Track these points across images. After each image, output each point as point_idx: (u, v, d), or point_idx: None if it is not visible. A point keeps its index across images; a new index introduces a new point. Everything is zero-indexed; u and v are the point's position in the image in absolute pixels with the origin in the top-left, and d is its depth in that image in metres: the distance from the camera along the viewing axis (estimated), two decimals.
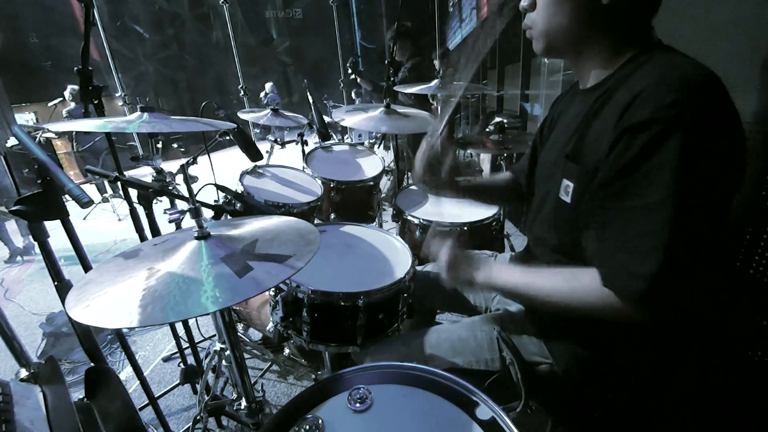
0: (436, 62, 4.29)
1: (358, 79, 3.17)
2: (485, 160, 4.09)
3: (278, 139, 2.32)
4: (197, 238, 0.70)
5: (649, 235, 0.58)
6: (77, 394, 0.78)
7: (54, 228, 0.84)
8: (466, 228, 1.47)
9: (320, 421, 0.64)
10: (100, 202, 4.80)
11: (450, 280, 0.83)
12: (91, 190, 4.88)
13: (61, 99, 5.08)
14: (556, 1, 0.69)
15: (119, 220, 4.48)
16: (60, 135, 5.64)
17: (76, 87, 4.98)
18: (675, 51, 0.67)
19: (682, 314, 0.67)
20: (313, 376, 1.70)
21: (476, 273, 0.80)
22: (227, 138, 1.55)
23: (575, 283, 0.68)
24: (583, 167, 0.69)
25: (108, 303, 0.57)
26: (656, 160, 0.57)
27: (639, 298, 0.60)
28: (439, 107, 2.78)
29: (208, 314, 0.55)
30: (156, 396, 1.45)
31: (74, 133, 4.97)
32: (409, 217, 1.55)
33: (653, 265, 0.57)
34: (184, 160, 1.29)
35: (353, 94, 4.30)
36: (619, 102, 0.62)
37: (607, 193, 0.63)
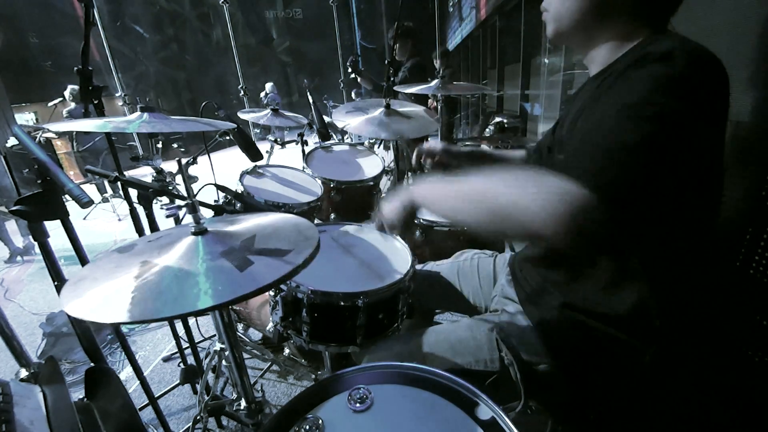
0: (437, 62, 4.29)
1: (359, 79, 3.17)
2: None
3: (278, 139, 2.32)
4: (194, 233, 0.70)
5: (618, 125, 0.55)
6: (77, 394, 0.78)
7: (54, 228, 0.85)
8: (465, 228, 1.47)
9: (320, 421, 0.64)
10: (100, 202, 4.81)
11: (389, 224, 0.84)
12: (91, 190, 4.88)
13: (61, 99, 5.09)
14: None
15: (119, 220, 4.48)
16: (60, 135, 5.64)
17: (76, 87, 4.97)
18: (679, 36, 0.67)
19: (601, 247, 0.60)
20: (313, 376, 1.70)
21: (404, 197, 0.79)
22: (227, 138, 1.55)
23: (513, 174, 0.61)
24: (571, 143, 0.70)
25: (105, 298, 0.56)
26: (641, 73, 0.57)
27: (585, 173, 0.54)
28: (439, 106, 2.78)
29: (212, 308, 0.54)
30: (156, 396, 1.45)
31: (74, 133, 4.98)
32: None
33: (591, 183, 0.52)
34: (184, 160, 1.29)
35: (353, 94, 4.30)
36: (617, 71, 0.63)
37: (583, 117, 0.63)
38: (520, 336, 0.87)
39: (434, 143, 1.23)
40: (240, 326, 1.89)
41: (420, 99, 3.14)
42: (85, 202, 0.71)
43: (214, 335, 1.98)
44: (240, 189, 1.57)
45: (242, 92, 3.07)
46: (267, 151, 2.16)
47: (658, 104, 0.54)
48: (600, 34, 0.73)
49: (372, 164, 2.04)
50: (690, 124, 0.55)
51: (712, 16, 0.91)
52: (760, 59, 0.80)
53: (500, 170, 0.62)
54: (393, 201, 0.83)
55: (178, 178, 1.32)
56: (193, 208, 0.72)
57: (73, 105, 4.99)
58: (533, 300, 0.89)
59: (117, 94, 2.08)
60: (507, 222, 0.58)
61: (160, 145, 1.58)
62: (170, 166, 1.39)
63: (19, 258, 3.61)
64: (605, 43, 0.73)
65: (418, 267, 1.22)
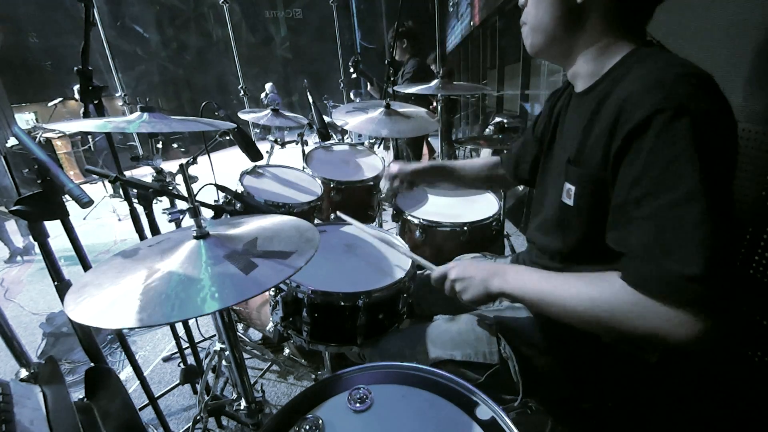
0: (434, 66, 4.29)
1: (369, 87, 3.18)
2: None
3: (278, 139, 2.32)
4: (196, 237, 0.70)
5: (688, 232, 0.53)
6: (77, 394, 0.78)
7: (54, 228, 0.84)
8: (466, 228, 1.47)
9: (320, 421, 0.64)
10: (105, 197, 4.77)
11: (462, 296, 0.81)
12: (97, 189, 4.87)
13: (61, 99, 5.08)
14: (537, 1, 0.72)
15: (119, 220, 4.48)
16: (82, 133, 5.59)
17: None
18: (666, 51, 0.67)
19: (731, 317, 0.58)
20: (313, 376, 1.70)
21: (490, 281, 0.76)
22: (227, 138, 1.55)
23: (601, 286, 0.62)
24: (584, 170, 0.69)
25: (110, 304, 0.57)
26: (671, 152, 0.54)
27: (695, 300, 0.53)
28: (439, 106, 2.78)
29: (216, 311, 0.55)
30: (156, 396, 1.45)
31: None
32: (409, 217, 1.55)
33: (701, 263, 0.51)
34: (184, 160, 1.29)
35: (352, 94, 4.30)
36: (613, 104, 0.62)
37: (631, 197, 0.59)
38: (520, 330, 0.87)
39: (394, 166, 1.26)
40: (240, 326, 1.89)
41: (420, 100, 3.14)
42: (85, 202, 0.71)
43: (214, 335, 1.98)
44: (240, 189, 1.57)
45: (242, 92, 3.06)
46: (267, 151, 2.16)
47: (700, 172, 0.53)
48: (576, 46, 0.73)
49: (372, 164, 2.04)
50: (726, 167, 0.56)
51: (711, 16, 0.91)
52: (759, 60, 0.80)
53: (589, 279, 0.64)
54: (473, 276, 0.78)
55: (179, 178, 1.32)
56: (195, 212, 0.72)
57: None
58: None
59: (117, 94, 2.08)
60: (628, 339, 0.65)
61: (160, 145, 1.57)
62: (170, 166, 1.39)
63: (19, 258, 3.61)
64: (583, 55, 0.73)
65: (419, 272, 1.23)
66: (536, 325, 0.86)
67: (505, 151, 1.21)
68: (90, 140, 4.85)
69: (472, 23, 6.53)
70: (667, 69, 0.59)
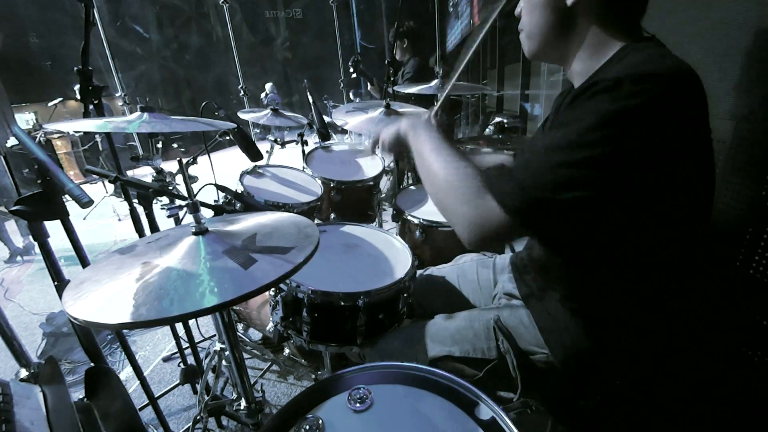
0: (436, 67, 4.29)
1: (369, 87, 3.18)
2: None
3: (278, 139, 2.31)
4: (195, 233, 0.70)
5: (538, 159, 0.60)
6: (77, 394, 0.78)
7: (54, 228, 0.84)
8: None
9: (320, 421, 0.64)
10: (100, 202, 4.79)
11: (384, 142, 0.91)
12: (97, 189, 4.88)
13: (61, 99, 5.09)
14: (531, 6, 0.74)
15: (119, 220, 4.48)
16: (87, 133, 5.58)
17: None
18: (656, 47, 0.66)
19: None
20: (313, 376, 1.70)
21: (403, 123, 0.86)
22: (227, 138, 1.55)
23: (462, 170, 0.68)
24: None
25: (108, 300, 0.57)
26: (581, 111, 0.58)
27: (500, 201, 0.60)
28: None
29: (219, 307, 0.54)
30: (156, 396, 1.45)
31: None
32: (409, 217, 1.55)
33: (526, 181, 0.59)
34: (184, 160, 1.29)
35: (351, 95, 4.29)
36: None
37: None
38: (518, 326, 0.87)
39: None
40: (240, 326, 1.89)
41: (421, 100, 3.13)
42: (85, 202, 0.71)
43: (214, 335, 1.98)
44: (240, 189, 1.57)
45: (242, 92, 3.06)
46: (267, 151, 2.16)
47: (595, 143, 0.55)
48: (571, 48, 0.74)
49: (372, 164, 2.04)
50: (632, 154, 0.55)
51: (711, 15, 0.91)
52: (758, 59, 0.80)
53: (463, 158, 0.70)
54: (393, 126, 0.89)
55: (178, 178, 1.32)
56: (194, 207, 0.72)
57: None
58: (535, 295, 0.90)
59: (117, 94, 2.08)
60: (440, 206, 0.71)
61: (160, 145, 1.57)
62: (170, 166, 1.39)
63: (19, 258, 3.61)
64: (578, 55, 0.73)
65: (419, 272, 1.23)
66: (534, 322, 0.86)
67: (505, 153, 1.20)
68: (97, 138, 4.84)
69: (471, 23, 6.52)
70: (641, 63, 0.60)
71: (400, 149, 0.88)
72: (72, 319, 0.53)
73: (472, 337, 0.89)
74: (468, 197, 0.64)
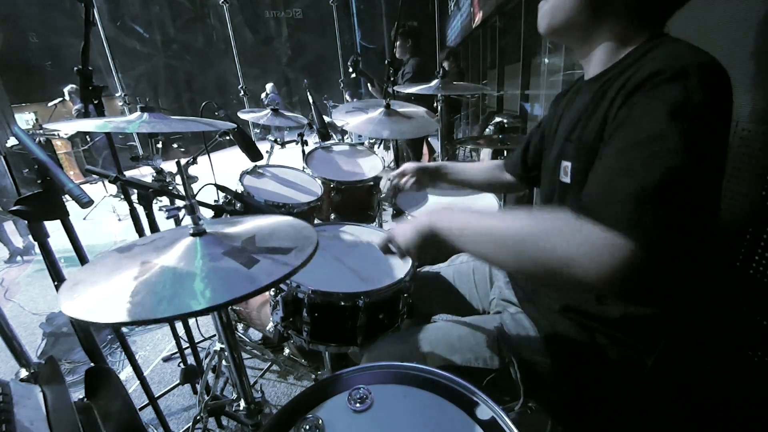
0: (445, 63, 4.28)
1: (370, 87, 3.18)
2: (485, 159, 4.09)
3: (278, 139, 2.31)
4: (193, 234, 0.70)
5: (641, 166, 0.51)
6: (77, 394, 0.78)
7: (54, 228, 0.84)
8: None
9: (320, 421, 0.64)
10: (100, 202, 4.80)
11: (401, 243, 0.77)
12: (96, 189, 4.88)
13: (61, 99, 5.09)
14: None
15: (119, 220, 4.48)
16: (72, 137, 5.59)
17: (73, 86, 5.01)
18: (683, 41, 0.65)
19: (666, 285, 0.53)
20: (313, 376, 1.70)
21: (420, 222, 0.73)
22: (227, 138, 1.55)
23: (536, 220, 0.57)
24: (581, 144, 0.68)
25: (106, 298, 0.56)
26: (652, 104, 0.53)
27: (624, 223, 0.49)
28: (439, 107, 2.78)
29: (227, 304, 0.54)
30: (156, 396, 1.45)
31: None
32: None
33: (642, 184, 0.50)
34: (183, 160, 1.29)
35: (347, 96, 4.28)
36: (618, 85, 0.61)
37: (605, 150, 0.59)
38: (520, 335, 0.87)
39: (406, 165, 1.24)
40: (240, 326, 1.89)
41: (421, 100, 3.14)
42: (85, 202, 0.71)
43: (214, 335, 1.98)
44: (240, 189, 1.57)
45: (242, 92, 3.06)
46: (267, 151, 2.16)
47: (679, 135, 0.50)
48: (597, 35, 0.71)
49: (372, 164, 2.04)
50: (711, 148, 0.53)
51: (712, 15, 0.91)
52: (759, 59, 0.80)
53: (527, 212, 0.59)
54: (406, 225, 0.76)
55: (178, 178, 1.32)
56: (192, 209, 0.72)
57: (79, 104, 4.99)
58: (532, 301, 0.89)
59: (117, 94, 2.08)
60: (549, 271, 0.53)
61: (160, 145, 1.57)
62: (170, 166, 1.39)
63: (18, 258, 3.61)
64: (602, 44, 0.71)
65: (419, 269, 1.23)
66: (537, 331, 0.86)
67: (505, 153, 1.21)
68: (89, 140, 4.84)
69: (471, 11, 6.50)
70: (679, 54, 0.58)
71: (427, 246, 0.74)
72: (71, 318, 0.53)
73: (474, 345, 0.88)
74: (576, 236, 0.51)
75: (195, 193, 0.77)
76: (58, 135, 3.81)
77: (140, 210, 1.22)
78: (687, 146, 0.50)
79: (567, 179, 0.72)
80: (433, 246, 0.72)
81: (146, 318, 0.52)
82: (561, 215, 0.55)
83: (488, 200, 1.71)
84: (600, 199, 0.54)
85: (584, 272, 0.49)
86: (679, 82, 0.53)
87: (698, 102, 0.52)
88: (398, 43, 3.12)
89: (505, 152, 1.87)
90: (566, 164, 0.72)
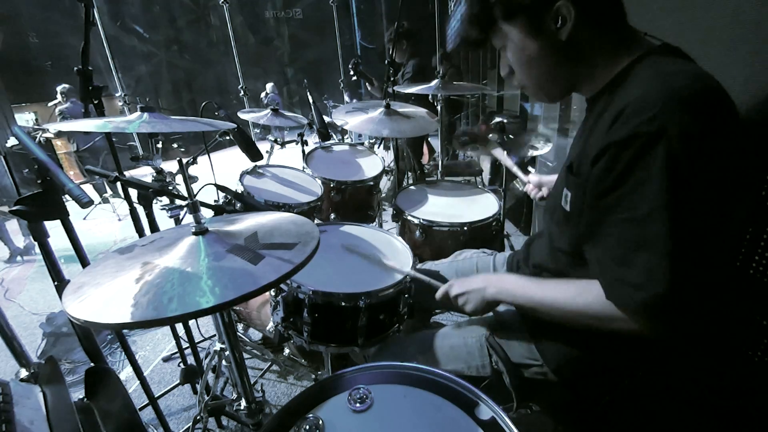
0: (440, 66, 4.27)
1: (369, 87, 3.18)
2: (485, 159, 4.09)
3: (278, 139, 2.31)
4: (195, 233, 0.70)
5: (643, 248, 0.58)
6: (77, 394, 0.78)
7: (54, 228, 0.84)
8: (466, 228, 1.47)
9: (320, 421, 0.64)
10: (100, 202, 4.81)
11: (465, 308, 0.87)
12: (90, 190, 4.88)
13: (59, 99, 5.10)
14: (524, 63, 0.72)
15: (119, 220, 4.48)
16: (58, 135, 5.63)
17: (66, 85, 5.02)
18: (668, 56, 0.65)
19: (700, 325, 0.65)
20: (313, 376, 1.70)
21: (486, 291, 0.83)
22: (227, 138, 1.55)
23: (580, 294, 0.69)
24: (578, 178, 0.70)
25: (114, 300, 0.56)
26: (642, 174, 0.56)
27: (643, 309, 0.60)
28: (439, 107, 2.77)
29: (241, 299, 0.54)
30: (156, 396, 1.45)
31: (73, 133, 4.99)
32: (409, 217, 1.55)
33: (653, 278, 0.57)
34: (184, 160, 1.29)
35: (347, 97, 4.28)
36: (610, 115, 0.62)
37: (601, 206, 0.63)
38: (510, 339, 0.87)
39: (543, 178, 1.30)
40: (240, 326, 1.89)
41: (420, 100, 3.14)
42: (85, 202, 0.71)
43: (214, 335, 1.98)
44: (240, 189, 1.57)
45: (242, 92, 3.06)
46: (267, 151, 2.16)
47: (683, 183, 0.54)
48: (582, 73, 0.72)
49: (372, 164, 2.04)
50: (711, 194, 0.56)
51: (711, 15, 0.91)
52: (759, 59, 0.80)
53: (572, 284, 0.72)
54: (471, 289, 0.86)
55: (178, 178, 1.32)
56: (194, 207, 0.72)
57: (68, 104, 5.00)
58: None
59: (117, 94, 2.07)
60: (597, 327, 0.69)
61: (160, 145, 1.57)
62: (170, 166, 1.39)
63: (19, 258, 3.61)
64: (591, 75, 0.72)
65: (417, 266, 1.23)
66: (528, 333, 0.86)
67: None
68: (70, 140, 4.88)
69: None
70: (658, 84, 0.58)
71: (487, 310, 0.87)
72: (72, 320, 0.53)
73: (466, 355, 0.89)
74: (588, 313, 0.68)
75: (195, 193, 0.76)
76: (47, 130, 3.81)
77: (140, 210, 1.22)
78: (678, 202, 0.55)
79: (567, 207, 0.74)
80: (490, 306, 0.86)
81: (158, 318, 0.52)
82: (596, 299, 0.66)
83: (489, 199, 1.71)
84: (616, 296, 0.63)
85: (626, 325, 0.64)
86: (661, 145, 0.54)
87: (684, 159, 0.54)
88: (396, 45, 3.12)
89: (505, 152, 1.86)
90: (567, 193, 0.74)
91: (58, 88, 5.06)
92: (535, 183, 1.30)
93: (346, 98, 4.21)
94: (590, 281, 0.67)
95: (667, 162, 0.54)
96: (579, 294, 0.70)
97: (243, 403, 0.88)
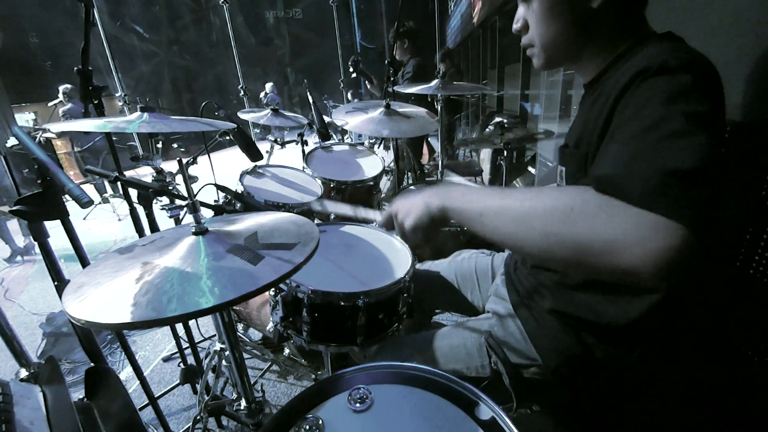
0: (441, 65, 4.29)
1: (369, 85, 3.19)
2: (485, 159, 4.09)
3: (278, 139, 2.31)
4: (195, 233, 0.70)
5: (661, 145, 0.48)
6: (77, 394, 0.78)
7: (54, 228, 0.84)
8: (465, 228, 1.47)
9: (320, 421, 0.64)
10: (100, 203, 4.81)
11: (406, 224, 0.70)
12: (90, 190, 4.88)
13: (60, 99, 5.10)
14: (547, 16, 0.70)
15: (119, 220, 4.48)
16: (60, 135, 5.65)
17: (68, 86, 5.02)
18: (670, 39, 0.67)
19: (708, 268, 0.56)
20: (313, 376, 1.70)
21: (431, 200, 0.66)
22: (227, 138, 1.55)
23: (566, 193, 0.55)
24: (577, 149, 0.69)
25: (111, 301, 0.56)
26: (648, 92, 0.54)
27: (666, 204, 0.44)
28: (439, 107, 2.77)
29: (238, 300, 0.54)
30: (156, 396, 1.45)
31: (73, 132, 4.99)
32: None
33: (689, 159, 0.46)
34: (184, 160, 1.29)
35: (349, 96, 4.29)
36: (615, 86, 0.61)
37: (609, 138, 0.58)
38: (509, 340, 0.87)
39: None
40: (240, 326, 1.89)
41: (420, 100, 3.14)
42: (85, 202, 0.71)
43: (214, 335, 1.98)
44: (240, 189, 1.57)
45: (242, 92, 3.06)
46: (267, 151, 2.16)
47: (682, 115, 0.50)
48: (586, 51, 0.72)
49: (372, 164, 2.04)
50: (714, 120, 0.52)
51: (711, 16, 0.91)
52: (759, 59, 0.80)
53: (550, 188, 0.57)
54: (414, 201, 0.69)
55: (178, 178, 1.32)
56: (194, 207, 0.72)
57: (69, 105, 5.00)
58: (524, 302, 0.89)
59: (117, 94, 2.07)
60: (586, 255, 0.48)
61: (160, 145, 1.57)
62: (170, 166, 1.39)
63: (19, 258, 3.61)
64: (591, 56, 0.73)
65: (418, 265, 1.23)
66: (524, 332, 0.86)
67: (505, 153, 1.20)
68: (73, 143, 4.89)
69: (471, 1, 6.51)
70: (662, 52, 0.59)
71: (434, 230, 0.69)
72: (72, 321, 0.53)
73: (465, 356, 0.89)
74: (615, 217, 0.47)
75: (195, 193, 0.76)
76: (48, 130, 3.81)
77: (140, 210, 1.22)
78: (694, 124, 0.49)
79: (563, 183, 0.74)
80: (438, 231, 0.67)
81: (158, 318, 0.51)
82: (586, 193, 0.51)
83: None
84: (626, 176, 0.49)
85: (632, 258, 0.44)
86: (664, 75, 0.54)
87: (686, 83, 0.52)
88: (397, 44, 3.13)
89: (505, 152, 1.86)
90: (561, 169, 0.74)
91: (61, 89, 5.07)
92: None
93: (348, 96, 4.21)
94: (580, 186, 0.54)
95: (672, 86, 0.52)
96: (564, 193, 0.54)
97: (243, 403, 0.88)
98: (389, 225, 0.77)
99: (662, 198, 0.45)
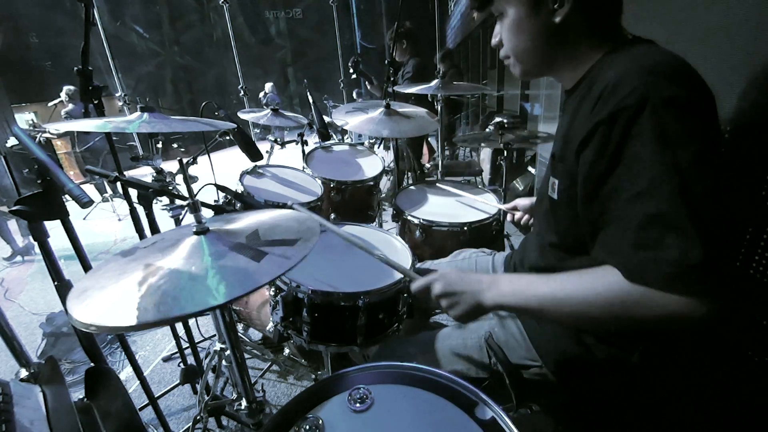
0: (441, 65, 4.28)
1: (369, 86, 3.18)
2: (485, 159, 4.09)
3: (278, 139, 2.31)
4: (196, 233, 0.70)
5: (657, 221, 0.54)
6: (77, 394, 0.78)
7: (54, 228, 0.84)
8: (465, 228, 1.47)
9: (320, 421, 0.64)
10: (100, 202, 4.81)
11: (450, 312, 0.75)
12: (90, 190, 4.88)
13: (60, 99, 5.10)
14: (516, 31, 0.73)
15: (119, 220, 4.48)
16: (61, 135, 5.64)
17: (72, 87, 5.01)
18: (644, 43, 0.68)
19: (735, 290, 0.59)
20: (313, 376, 1.70)
21: (482, 295, 0.71)
22: (227, 138, 1.55)
23: (597, 279, 0.62)
24: (563, 163, 0.71)
25: (124, 303, 0.56)
26: (634, 147, 0.56)
27: (679, 276, 0.53)
28: (439, 107, 2.77)
29: (242, 296, 0.55)
30: (156, 396, 1.45)
31: (75, 134, 4.99)
32: (409, 217, 1.55)
33: (679, 246, 0.52)
34: (185, 160, 1.29)
35: (354, 94, 4.30)
36: (592, 96, 0.63)
37: (602, 195, 0.61)
38: (509, 340, 0.87)
39: (517, 202, 1.29)
40: (240, 326, 1.89)
41: (420, 100, 3.14)
42: (85, 202, 0.71)
43: (214, 335, 1.98)
44: (240, 189, 1.57)
45: (242, 92, 3.06)
46: (267, 151, 2.16)
47: (676, 146, 0.54)
48: (561, 59, 0.74)
49: (372, 164, 2.04)
50: (707, 152, 0.55)
51: (710, 16, 0.91)
52: (758, 59, 0.80)
53: (590, 278, 0.63)
54: (462, 296, 0.73)
55: (178, 178, 1.32)
56: (194, 207, 0.72)
57: (71, 105, 5.00)
58: None
59: (117, 94, 2.07)
60: (642, 328, 0.64)
61: (160, 145, 1.57)
62: (170, 166, 1.39)
63: (19, 258, 3.61)
64: (567, 63, 0.74)
65: (416, 266, 1.23)
66: (524, 333, 0.86)
67: (505, 153, 1.19)
68: (75, 143, 4.88)
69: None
70: (637, 61, 0.60)
71: (480, 315, 0.75)
72: (79, 327, 0.53)
73: (465, 356, 0.90)
74: (652, 308, 0.56)
75: (195, 193, 0.76)
76: (47, 130, 3.81)
77: (140, 210, 1.22)
78: (677, 164, 0.54)
79: (555, 196, 0.74)
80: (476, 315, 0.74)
81: (167, 317, 0.52)
82: (621, 284, 0.58)
83: (488, 198, 1.71)
84: (641, 269, 0.57)
85: (681, 324, 0.57)
86: (645, 114, 0.55)
87: (670, 122, 0.54)
88: (396, 45, 3.12)
89: (505, 152, 1.86)
90: (554, 181, 0.75)
91: (63, 89, 5.06)
92: (508, 208, 1.31)
93: (354, 95, 4.21)
94: (603, 267, 0.62)
95: (656, 128, 0.54)
96: (596, 279, 0.62)
97: (243, 403, 0.88)
98: (423, 296, 0.79)
99: (683, 286, 0.54)
